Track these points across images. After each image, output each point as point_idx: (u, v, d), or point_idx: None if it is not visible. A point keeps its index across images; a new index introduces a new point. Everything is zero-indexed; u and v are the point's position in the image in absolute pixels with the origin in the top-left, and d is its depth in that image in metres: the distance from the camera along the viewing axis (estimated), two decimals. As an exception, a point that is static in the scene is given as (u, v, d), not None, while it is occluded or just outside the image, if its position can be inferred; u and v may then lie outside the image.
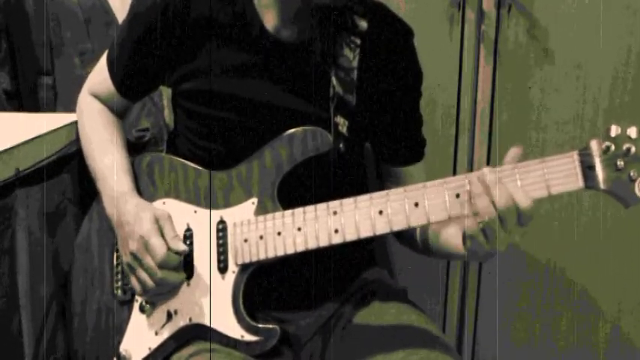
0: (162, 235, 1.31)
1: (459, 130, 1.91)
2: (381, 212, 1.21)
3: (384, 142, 1.49)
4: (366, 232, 1.22)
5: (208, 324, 1.33)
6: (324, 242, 1.24)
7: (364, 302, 1.45)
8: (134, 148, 1.54)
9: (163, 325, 1.37)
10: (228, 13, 1.36)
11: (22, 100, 1.98)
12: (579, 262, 1.95)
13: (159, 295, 1.37)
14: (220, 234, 1.34)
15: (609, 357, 2.02)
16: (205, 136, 1.42)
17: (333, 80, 1.35)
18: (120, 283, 1.44)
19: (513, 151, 1.17)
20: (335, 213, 1.24)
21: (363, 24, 1.37)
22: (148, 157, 1.48)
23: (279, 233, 1.28)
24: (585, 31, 1.78)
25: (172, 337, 1.36)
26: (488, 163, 1.89)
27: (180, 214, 1.38)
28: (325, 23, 1.34)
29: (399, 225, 1.20)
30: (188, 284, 1.35)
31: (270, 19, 1.36)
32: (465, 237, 1.21)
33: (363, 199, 1.23)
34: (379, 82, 1.42)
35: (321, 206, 1.25)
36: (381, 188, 1.45)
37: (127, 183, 1.42)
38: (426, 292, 2.04)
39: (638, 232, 1.92)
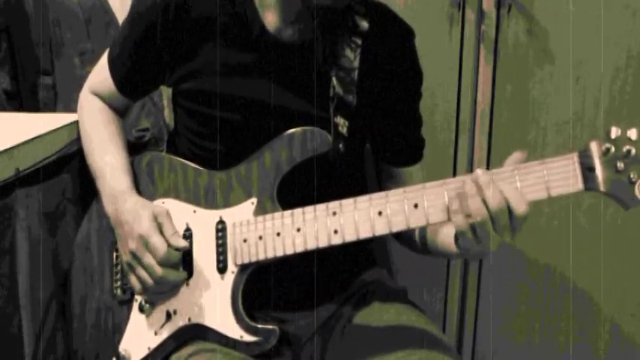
0: (162, 233, 1.31)
1: (459, 131, 1.91)
2: (380, 213, 1.20)
3: (383, 142, 1.49)
4: (365, 233, 1.22)
5: (207, 324, 1.33)
6: (323, 243, 1.24)
7: (364, 302, 1.45)
8: (134, 148, 1.54)
9: (163, 325, 1.37)
10: (228, 13, 1.36)
11: (22, 100, 1.98)
12: (579, 262, 1.94)
13: (158, 294, 1.37)
14: (220, 234, 1.34)
15: (609, 357, 2.02)
16: (205, 136, 1.42)
17: (334, 80, 1.35)
18: (119, 283, 1.44)
19: (515, 156, 1.17)
20: (334, 214, 1.24)
21: (364, 24, 1.37)
22: (148, 156, 1.48)
23: (278, 234, 1.28)
24: (585, 31, 1.78)
25: (171, 337, 1.36)
26: (488, 163, 1.89)
27: (180, 213, 1.38)
28: (326, 24, 1.34)
29: (398, 226, 1.20)
30: (187, 284, 1.35)
31: (270, 19, 1.36)
32: (456, 235, 1.22)
33: (363, 200, 1.22)
34: (379, 83, 1.42)
35: (321, 207, 1.25)
36: (380, 188, 1.46)
37: (125, 182, 1.42)
38: (426, 292, 2.04)
39: (638, 232, 1.91)
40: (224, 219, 1.34)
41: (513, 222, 1.14)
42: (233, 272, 1.32)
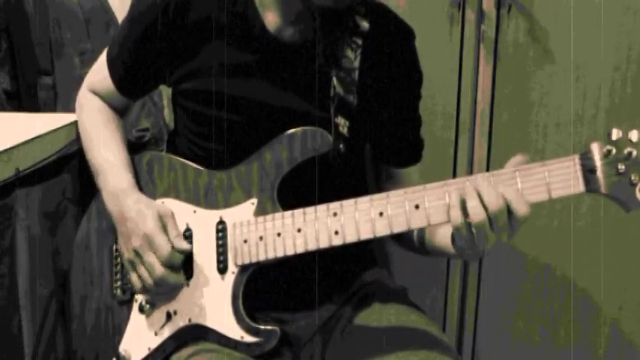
0: (166, 233, 1.31)
1: (459, 131, 1.90)
2: (381, 214, 1.20)
3: (382, 142, 1.49)
4: (366, 234, 1.22)
5: (207, 325, 1.33)
6: (324, 244, 1.24)
7: (364, 303, 1.45)
8: (134, 148, 1.54)
9: (163, 326, 1.37)
10: (228, 13, 1.36)
11: (22, 100, 1.98)
12: (579, 262, 1.94)
13: (158, 294, 1.36)
14: (220, 234, 1.33)
15: (609, 357, 2.02)
16: (205, 135, 1.42)
17: (334, 80, 1.35)
18: (119, 283, 1.44)
19: (516, 159, 1.17)
20: (335, 214, 1.24)
21: (365, 24, 1.37)
22: (148, 155, 1.47)
23: (278, 234, 1.27)
24: (585, 31, 1.78)
25: (172, 338, 1.36)
26: (488, 163, 1.89)
27: (180, 213, 1.38)
28: (327, 24, 1.34)
29: (399, 227, 1.20)
30: (187, 284, 1.35)
31: (271, 19, 1.36)
32: (453, 234, 1.21)
33: (364, 201, 1.22)
34: (379, 83, 1.42)
35: (321, 207, 1.25)
36: (379, 188, 1.46)
37: (127, 179, 1.42)
38: (426, 292, 2.04)
39: (638, 232, 1.92)
40: (224, 219, 1.34)
41: (512, 222, 1.14)
42: (233, 273, 1.32)
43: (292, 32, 1.36)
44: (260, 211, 1.31)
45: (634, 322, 1.99)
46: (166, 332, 1.37)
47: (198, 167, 1.40)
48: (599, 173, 1.12)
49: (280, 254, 1.27)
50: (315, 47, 1.35)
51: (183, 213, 1.38)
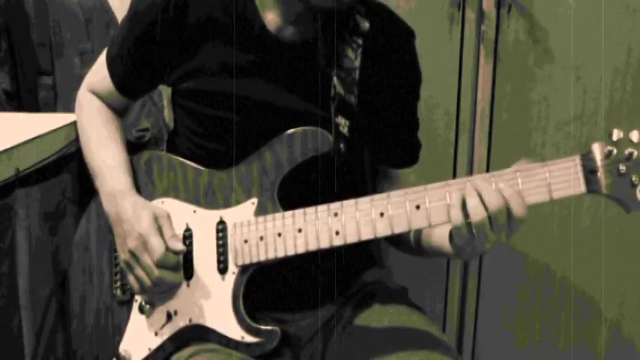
0: (161, 234, 1.31)
1: (459, 131, 1.91)
2: (382, 214, 1.20)
3: (380, 143, 1.48)
4: (367, 234, 1.21)
5: (207, 325, 1.33)
6: (324, 244, 1.24)
7: (364, 303, 1.45)
8: (134, 148, 1.54)
9: (163, 326, 1.37)
10: (228, 13, 1.36)
11: (22, 100, 1.98)
12: (579, 262, 1.95)
13: (157, 294, 1.36)
14: (220, 234, 1.33)
15: (609, 357, 2.02)
16: (205, 135, 1.41)
17: (335, 80, 1.35)
18: (119, 283, 1.44)
19: (520, 165, 1.17)
20: (336, 214, 1.23)
21: (365, 24, 1.37)
22: (147, 154, 1.47)
23: (279, 234, 1.27)
24: (585, 31, 1.78)
25: (172, 338, 1.36)
26: (488, 163, 1.89)
27: (180, 213, 1.37)
28: (327, 24, 1.34)
29: (400, 227, 1.20)
30: (188, 285, 1.35)
31: (271, 19, 1.36)
32: (451, 234, 1.22)
33: (364, 201, 1.22)
34: (379, 83, 1.41)
35: (322, 207, 1.25)
36: (375, 187, 1.46)
37: (125, 181, 1.42)
38: (426, 292, 2.04)
39: (638, 233, 1.92)
40: (224, 219, 1.34)
41: (511, 223, 1.14)
42: (234, 273, 1.32)
43: (292, 32, 1.36)
44: (260, 211, 1.31)
45: (634, 322, 2.00)
46: (166, 332, 1.37)
47: (198, 167, 1.40)
48: (600, 174, 1.12)
49: (281, 254, 1.27)
50: (315, 47, 1.35)
51: (183, 213, 1.38)
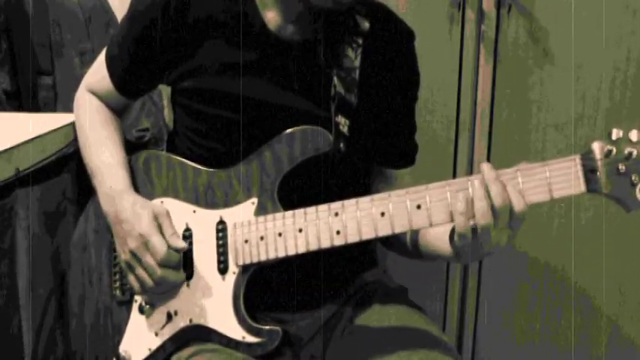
0: (162, 233, 1.31)
1: (459, 131, 1.91)
2: (383, 214, 1.20)
3: (376, 142, 1.48)
4: (368, 234, 1.21)
5: (208, 325, 1.33)
6: (325, 243, 1.24)
7: (365, 303, 1.45)
8: (134, 148, 1.53)
9: (163, 326, 1.37)
10: (229, 11, 1.36)
11: (22, 100, 1.98)
12: (579, 262, 1.95)
13: (158, 294, 1.36)
14: (220, 234, 1.33)
15: (609, 357, 2.02)
16: (205, 134, 1.41)
17: (335, 80, 1.34)
18: (118, 284, 1.44)
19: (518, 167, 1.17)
20: (336, 214, 1.23)
21: (365, 24, 1.37)
22: (145, 154, 1.46)
23: (280, 234, 1.27)
24: (585, 31, 1.78)
25: (172, 338, 1.36)
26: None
27: (179, 213, 1.37)
28: (327, 24, 1.34)
29: (401, 227, 1.19)
30: (188, 285, 1.35)
31: (271, 18, 1.36)
32: (452, 235, 1.22)
33: (365, 201, 1.22)
34: (378, 83, 1.41)
35: (323, 207, 1.25)
36: (370, 185, 1.46)
37: (123, 180, 1.41)
38: (426, 292, 2.04)
39: (639, 231, 1.92)
40: (224, 219, 1.34)
41: (512, 222, 1.14)
42: (234, 273, 1.31)
43: (292, 31, 1.36)
44: (260, 210, 1.31)
45: (634, 321, 2.00)
46: (167, 333, 1.36)
47: (198, 166, 1.39)
48: (600, 173, 1.12)
49: (282, 254, 1.27)
50: (315, 46, 1.35)
51: (183, 213, 1.37)
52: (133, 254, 1.32)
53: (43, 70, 1.95)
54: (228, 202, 1.34)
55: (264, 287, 1.38)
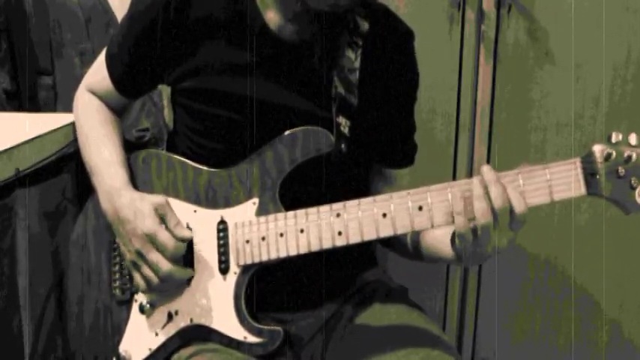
0: (165, 226, 1.31)
1: (459, 131, 1.91)
2: (384, 215, 1.21)
3: (376, 142, 1.48)
4: (369, 235, 1.22)
5: (209, 325, 1.33)
6: (327, 244, 1.24)
7: (365, 302, 1.45)
8: (134, 148, 1.53)
9: (164, 326, 1.37)
10: (229, 11, 1.36)
11: (22, 100, 1.98)
12: (580, 262, 1.95)
13: (163, 292, 1.36)
14: (221, 234, 1.33)
15: (609, 357, 2.02)
16: (205, 134, 1.41)
17: (336, 81, 1.35)
18: (118, 283, 1.44)
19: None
20: (338, 215, 1.24)
21: (365, 25, 1.37)
22: (144, 153, 1.46)
23: (281, 234, 1.27)
24: (585, 31, 1.78)
25: (173, 338, 1.36)
26: (488, 163, 1.89)
27: (180, 213, 1.36)
28: (327, 25, 1.34)
29: (403, 228, 1.20)
30: (189, 284, 1.35)
31: (271, 18, 1.36)
32: (453, 238, 1.22)
33: (367, 202, 1.22)
34: (378, 84, 1.41)
35: (324, 208, 1.25)
36: (368, 183, 1.46)
37: (122, 178, 1.41)
38: (426, 292, 2.04)
39: (639, 233, 1.92)
40: (225, 219, 1.34)
41: (513, 224, 1.15)
42: (235, 273, 1.31)
43: (293, 31, 1.36)
44: (262, 211, 1.31)
45: (634, 321, 2.00)
46: (167, 332, 1.36)
47: (198, 166, 1.39)
48: (600, 177, 1.13)
49: (283, 254, 1.27)
50: (314, 46, 1.35)
51: (183, 212, 1.37)
52: (139, 253, 1.32)
53: (43, 70, 1.95)
54: (229, 201, 1.34)
55: (264, 287, 1.38)
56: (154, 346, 1.38)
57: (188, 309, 1.35)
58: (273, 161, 1.32)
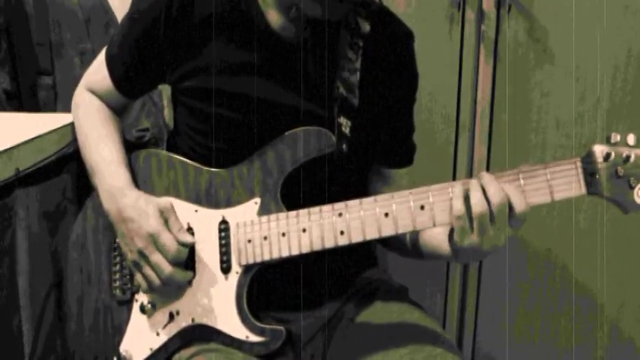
0: (169, 229, 1.31)
1: (459, 131, 1.91)
2: (386, 214, 1.21)
3: (375, 142, 1.48)
4: (372, 235, 1.22)
5: (211, 324, 1.33)
6: (329, 243, 1.25)
7: (366, 301, 1.45)
8: (134, 148, 1.53)
9: (165, 326, 1.37)
10: (232, 11, 1.36)
11: (22, 100, 1.98)
12: (580, 262, 1.95)
13: (164, 293, 1.36)
14: (223, 234, 1.33)
15: (609, 357, 2.02)
16: (207, 134, 1.41)
17: (337, 81, 1.35)
18: (118, 283, 1.43)
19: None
20: (340, 215, 1.24)
21: (366, 26, 1.37)
22: (145, 152, 1.46)
23: (283, 234, 1.28)
24: (585, 31, 1.79)
25: (174, 338, 1.36)
26: (488, 163, 1.90)
27: (181, 213, 1.36)
28: (316, 34, 1.34)
29: (404, 227, 1.21)
30: (190, 284, 1.35)
31: (273, 18, 1.36)
32: (451, 235, 1.22)
33: (369, 201, 1.23)
34: (378, 84, 1.42)
35: (326, 207, 1.25)
36: (367, 182, 1.47)
37: (124, 177, 1.40)
38: (426, 291, 2.04)
39: (639, 233, 1.92)
40: (227, 219, 1.34)
41: (512, 220, 1.16)
42: (237, 272, 1.31)
43: (294, 31, 1.36)
44: (263, 210, 1.31)
45: (634, 322, 2.00)
46: (168, 332, 1.36)
47: (199, 166, 1.39)
48: (600, 176, 1.15)
49: (285, 254, 1.27)
50: (317, 47, 1.35)
51: (185, 212, 1.37)
52: (141, 254, 1.31)
53: (43, 70, 1.95)
54: (231, 201, 1.34)
55: (265, 287, 1.38)
56: (155, 346, 1.37)
57: (189, 309, 1.35)
58: (275, 161, 1.32)
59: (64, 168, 1.62)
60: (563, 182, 1.16)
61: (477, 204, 1.15)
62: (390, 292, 1.49)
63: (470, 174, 1.90)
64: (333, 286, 1.46)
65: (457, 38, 1.85)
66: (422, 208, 1.20)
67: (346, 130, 1.35)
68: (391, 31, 1.45)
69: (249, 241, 1.30)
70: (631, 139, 1.15)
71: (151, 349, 1.38)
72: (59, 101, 1.96)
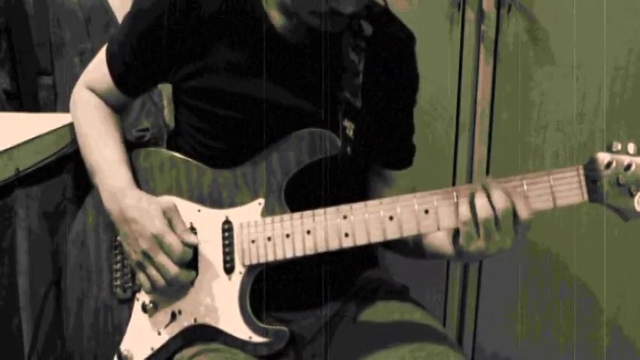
0: (173, 230, 1.31)
1: (459, 131, 1.91)
2: (391, 218, 1.22)
3: (376, 144, 1.48)
4: (376, 237, 1.23)
5: (213, 324, 1.33)
6: (334, 245, 1.25)
7: (367, 300, 1.45)
8: (134, 148, 1.53)
9: (167, 325, 1.37)
10: (235, 12, 1.36)
11: (22, 100, 1.97)
12: (580, 262, 1.95)
13: (167, 293, 1.35)
14: (226, 234, 1.33)
15: (609, 357, 2.03)
16: (210, 134, 1.41)
17: (341, 84, 1.35)
18: (119, 282, 1.43)
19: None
20: (345, 217, 1.24)
21: (369, 28, 1.38)
22: (145, 151, 1.46)
23: (287, 235, 1.28)
24: (586, 31, 1.79)
25: (176, 338, 1.36)
26: (488, 163, 1.90)
27: (183, 212, 1.36)
28: (315, 43, 1.34)
29: (409, 231, 1.22)
30: (192, 284, 1.35)
31: (276, 19, 1.36)
32: (455, 236, 1.23)
33: (373, 204, 1.24)
34: (380, 86, 1.42)
35: (331, 209, 1.26)
36: (366, 182, 1.47)
37: (125, 177, 1.40)
38: (426, 291, 2.04)
39: (639, 235, 1.92)
40: (230, 219, 1.33)
41: (517, 226, 1.18)
42: (241, 273, 1.31)
43: (297, 33, 1.36)
44: (267, 211, 1.31)
45: (634, 322, 2.00)
46: (170, 332, 1.36)
47: (202, 165, 1.39)
48: (601, 184, 1.17)
49: (289, 255, 1.28)
50: (320, 49, 1.35)
51: (187, 212, 1.37)
52: (146, 255, 1.31)
53: (43, 70, 1.95)
54: (234, 202, 1.34)
55: (266, 287, 1.38)
56: (157, 346, 1.37)
57: (192, 308, 1.35)
58: (279, 162, 1.32)
59: (64, 168, 1.62)
60: (566, 189, 1.18)
61: (482, 209, 1.17)
62: (391, 291, 1.49)
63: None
64: (334, 285, 1.46)
65: (457, 38, 1.86)
66: (426, 212, 1.21)
67: (350, 132, 1.35)
68: (393, 33, 1.45)
69: (253, 241, 1.30)
70: (631, 147, 1.17)
71: (152, 348, 1.38)
72: (59, 101, 1.96)
